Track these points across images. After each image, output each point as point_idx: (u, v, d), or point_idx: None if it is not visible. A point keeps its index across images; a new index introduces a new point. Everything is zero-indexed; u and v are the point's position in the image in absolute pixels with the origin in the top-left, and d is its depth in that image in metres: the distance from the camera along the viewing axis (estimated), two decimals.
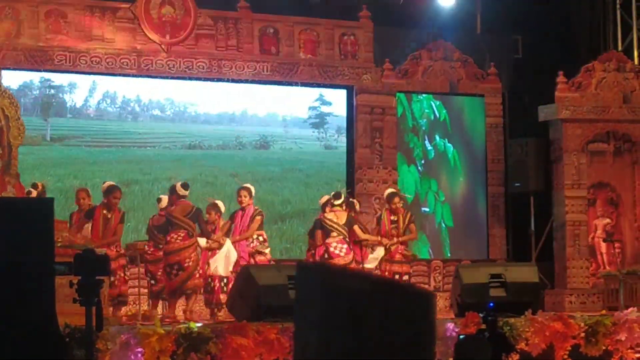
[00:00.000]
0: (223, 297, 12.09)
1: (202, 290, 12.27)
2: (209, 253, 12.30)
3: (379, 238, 12.73)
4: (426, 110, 15.97)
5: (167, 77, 14.56)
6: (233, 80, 14.89)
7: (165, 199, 12.56)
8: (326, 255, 12.33)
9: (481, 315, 9.23)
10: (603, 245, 15.38)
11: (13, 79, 13.97)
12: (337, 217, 12.46)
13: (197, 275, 11.99)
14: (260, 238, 12.59)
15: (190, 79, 14.67)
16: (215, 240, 12.23)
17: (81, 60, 13.98)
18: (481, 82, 16.18)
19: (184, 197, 12.11)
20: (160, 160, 14.92)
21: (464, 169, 16.13)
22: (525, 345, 10.79)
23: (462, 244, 15.97)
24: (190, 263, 11.90)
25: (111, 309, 11.93)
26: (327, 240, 12.37)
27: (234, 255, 12.22)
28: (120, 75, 14.37)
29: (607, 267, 15.26)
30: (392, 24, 15.89)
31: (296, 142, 15.79)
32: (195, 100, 15.23)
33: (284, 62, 15.05)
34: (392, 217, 12.85)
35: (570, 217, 15.26)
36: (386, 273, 12.77)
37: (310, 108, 15.73)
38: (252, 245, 12.48)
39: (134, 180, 14.59)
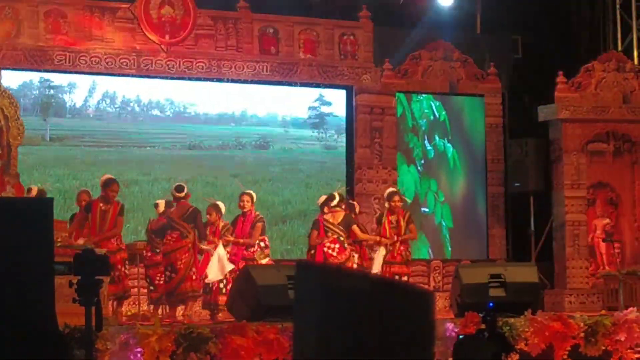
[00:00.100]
0: (222, 299, 12.09)
1: (200, 293, 12.22)
2: (203, 256, 12.31)
3: (378, 238, 12.72)
4: (426, 111, 15.97)
5: (166, 77, 14.56)
6: (233, 81, 14.89)
7: (162, 203, 12.58)
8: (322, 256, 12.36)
9: (481, 315, 9.22)
10: (603, 246, 15.37)
11: (13, 78, 13.97)
12: (334, 217, 12.47)
13: (193, 277, 11.93)
14: (262, 244, 12.59)
15: (189, 79, 14.67)
16: (208, 249, 12.23)
17: (81, 60, 13.98)
18: (481, 82, 16.18)
19: (180, 199, 12.11)
20: (160, 161, 14.92)
21: (464, 169, 16.13)
22: (524, 345, 10.78)
23: (461, 244, 15.97)
24: (182, 265, 11.87)
25: (114, 304, 11.96)
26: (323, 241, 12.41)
27: (228, 264, 12.20)
28: (119, 75, 14.37)
29: (607, 267, 15.25)
30: (392, 24, 15.89)
31: (296, 142, 15.79)
32: (195, 101, 15.22)
33: (283, 62, 15.05)
34: (391, 217, 12.84)
35: (570, 217, 15.26)
36: (387, 275, 12.77)
37: (310, 108, 15.73)
38: (251, 250, 12.47)
39: (133, 180, 14.58)
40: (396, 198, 12.89)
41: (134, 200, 13.98)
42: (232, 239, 12.42)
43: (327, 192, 13.38)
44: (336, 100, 15.74)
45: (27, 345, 5.95)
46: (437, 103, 16.00)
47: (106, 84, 14.67)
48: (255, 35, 14.94)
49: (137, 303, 12.81)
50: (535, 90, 16.31)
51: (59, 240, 10.46)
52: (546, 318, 11.02)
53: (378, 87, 15.56)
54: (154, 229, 12.49)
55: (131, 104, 14.97)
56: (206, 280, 12.20)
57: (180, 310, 12.12)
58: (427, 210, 15.80)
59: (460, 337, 7.90)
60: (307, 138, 15.83)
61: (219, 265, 12.16)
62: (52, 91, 14.47)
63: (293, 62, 15.12)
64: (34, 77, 14.23)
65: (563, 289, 15.11)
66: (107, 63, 14.12)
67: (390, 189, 13.47)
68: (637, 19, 16.84)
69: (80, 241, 11.56)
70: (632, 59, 16.44)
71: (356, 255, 12.61)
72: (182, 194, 12.11)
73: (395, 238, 12.65)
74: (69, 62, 13.93)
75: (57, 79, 14.38)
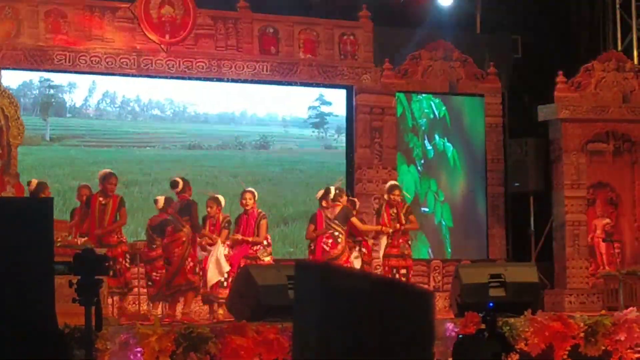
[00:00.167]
0: (222, 292, 12.10)
1: (195, 286, 12.13)
2: (203, 250, 12.33)
3: (380, 227, 12.77)
4: (426, 110, 15.97)
5: (166, 77, 14.57)
6: (233, 80, 14.89)
7: (161, 199, 12.60)
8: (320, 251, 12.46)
9: (481, 315, 9.22)
10: (603, 245, 15.37)
11: (13, 78, 13.97)
12: (332, 211, 12.54)
13: (188, 268, 11.88)
14: (265, 242, 12.59)
15: (189, 78, 14.67)
16: (207, 235, 12.20)
17: (81, 60, 13.98)
18: (481, 82, 16.18)
19: (178, 194, 12.13)
20: (160, 161, 14.91)
21: (464, 169, 16.13)
22: (524, 345, 10.78)
23: (461, 244, 15.97)
24: (176, 258, 11.89)
25: (116, 300, 11.98)
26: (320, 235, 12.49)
27: (225, 265, 12.20)
28: (119, 75, 14.37)
29: (607, 267, 15.25)
30: (392, 24, 15.89)
31: (296, 142, 15.79)
32: (195, 100, 15.22)
33: (283, 62, 15.05)
34: (390, 210, 12.88)
35: (570, 217, 15.26)
36: (385, 268, 12.82)
37: (310, 108, 15.73)
38: (255, 248, 12.47)
39: (133, 181, 14.57)
40: (396, 192, 12.94)
41: (133, 201, 13.93)
42: (240, 237, 12.40)
43: None
44: (336, 100, 15.73)
45: (27, 345, 5.94)
46: (437, 100, 16.00)
47: (106, 83, 14.67)
48: (255, 35, 14.94)
49: (137, 303, 12.81)
50: (535, 90, 16.31)
51: (59, 240, 10.46)
52: (546, 318, 11.02)
53: (378, 87, 15.56)
54: (152, 225, 12.52)
55: (131, 104, 14.97)
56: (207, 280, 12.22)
57: (179, 307, 12.12)
58: (427, 210, 15.80)
59: (460, 336, 7.90)
60: (307, 138, 15.83)
61: (216, 266, 12.17)
62: (52, 91, 14.47)
63: (293, 62, 15.12)
64: (34, 76, 14.23)
65: (563, 289, 15.11)
66: (107, 63, 14.12)
67: (392, 182, 13.52)
68: (636, 18, 16.84)
69: (83, 238, 11.63)
70: (632, 59, 16.44)
71: (355, 250, 12.60)
72: (178, 189, 12.13)
73: (398, 226, 12.67)
74: (69, 62, 13.93)
75: (57, 78, 14.38)
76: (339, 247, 12.41)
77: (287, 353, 9.72)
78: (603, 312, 12.42)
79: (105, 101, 14.84)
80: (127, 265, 12.09)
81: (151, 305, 12.58)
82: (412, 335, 2.59)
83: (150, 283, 12.40)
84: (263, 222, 12.56)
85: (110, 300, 11.77)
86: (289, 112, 15.72)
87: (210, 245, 12.35)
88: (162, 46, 14.39)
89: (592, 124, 15.51)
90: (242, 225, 12.53)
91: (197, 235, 12.11)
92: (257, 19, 14.97)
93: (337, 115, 15.80)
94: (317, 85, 15.42)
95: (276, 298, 10.38)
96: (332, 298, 2.54)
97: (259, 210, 12.71)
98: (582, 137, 15.45)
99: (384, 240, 12.77)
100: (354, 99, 15.53)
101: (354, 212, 12.90)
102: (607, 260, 15.38)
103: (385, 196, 13.06)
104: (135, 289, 12.54)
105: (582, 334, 11.07)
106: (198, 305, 12.98)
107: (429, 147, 15.95)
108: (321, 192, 12.90)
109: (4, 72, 13.62)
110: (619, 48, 16.71)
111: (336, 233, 12.41)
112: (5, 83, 13.35)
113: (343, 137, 15.79)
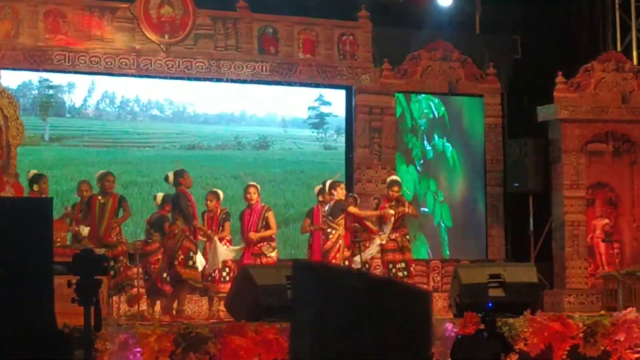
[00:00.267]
0: (223, 287, 12.12)
1: (185, 279, 12.07)
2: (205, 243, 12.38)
3: (379, 212, 12.87)
4: (425, 110, 15.97)
5: (166, 77, 14.56)
6: (232, 80, 14.90)
7: (159, 196, 12.66)
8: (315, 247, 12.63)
9: (480, 315, 9.23)
10: (602, 246, 15.37)
11: (12, 78, 13.97)
12: (326, 207, 12.65)
13: (179, 260, 11.85)
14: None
15: (189, 79, 14.67)
16: (199, 227, 12.17)
17: (80, 60, 13.98)
18: (480, 83, 16.18)
19: (175, 187, 12.18)
20: (159, 161, 14.89)
21: (463, 169, 16.13)
22: (524, 346, 10.78)
23: (461, 244, 15.96)
24: (169, 250, 11.97)
25: (116, 298, 12.01)
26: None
27: (223, 253, 12.22)
28: (119, 75, 14.37)
29: (606, 268, 15.25)
30: (391, 24, 15.89)
31: (295, 142, 15.78)
32: (194, 101, 15.22)
33: (283, 62, 15.05)
34: (389, 203, 12.98)
35: (569, 217, 15.26)
36: (383, 263, 12.90)
37: (309, 108, 15.73)
38: (259, 245, 12.48)
39: (132, 182, 14.57)
40: (395, 188, 13.05)
41: (133, 203, 13.85)
42: (257, 235, 12.38)
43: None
44: (335, 101, 15.73)
45: (27, 345, 5.95)
46: (436, 100, 16.00)
47: (105, 83, 14.67)
48: (255, 35, 14.94)
49: (136, 303, 12.80)
50: (534, 91, 16.30)
51: (58, 240, 10.48)
52: (545, 318, 11.02)
53: (377, 87, 15.56)
54: (150, 222, 12.59)
55: (130, 104, 14.97)
56: (206, 269, 12.23)
57: (173, 304, 12.15)
58: (426, 210, 15.80)
59: (459, 337, 7.90)
60: (307, 138, 15.82)
61: (213, 254, 12.19)
62: (51, 91, 14.47)
63: (292, 62, 15.12)
64: (33, 77, 14.23)
65: (562, 289, 15.11)
66: (106, 63, 14.12)
67: (393, 177, 13.57)
68: (636, 19, 16.84)
69: (87, 228, 11.69)
70: (632, 59, 16.44)
71: (355, 249, 12.64)
72: (169, 183, 12.18)
73: (399, 210, 12.75)
74: (69, 62, 13.93)
75: (57, 78, 14.38)
76: (329, 242, 12.49)
77: (287, 353, 9.73)
78: (602, 312, 12.42)
79: (105, 101, 14.84)
80: (127, 264, 12.12)
81: (149, 301, 12.58)
82: (409, 335, 2.59)
83: (146, 277, 12.44)
84: (269, 213, 12.58)
85: (110, 301, 11.80)
86: (289, 112, 15.72)
87: (207, 238, 12.36)
88: (162, 46, 14.39)
89: (591, 125, 15.51)
90: (246, 220, 12.53)
91: (192, 226, 12.00)
92: (256, 19, 14.97)
93: (336, 116, 15.79)
94: (317, 85, 15.42)
95: (275, 298, 10.39)
96: (329, 298, 2.54)
97: (262, 204, 12.72)
98: (582, 138, 15.45)
99: (388, 227, 12.79)
100: (353, 99, 15.53)
101: (350, 202, 12.91)
102: (606, 261, 15.38)
103: (386, 191, 13.17)
104: (135, 289, 12.54)
105: (581, 334, 11.07)
106: (197, 299, 13.00)
107: (428, 148, 15.94)
108: (318, 188, 13.02)
109: (3, 72, 13.62)
110: (619, 48, 16.70)
111: (329, 230, 12.46)
112: (4, 83, 13.37)
113: (342, 138, 15.79)
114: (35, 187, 11.88)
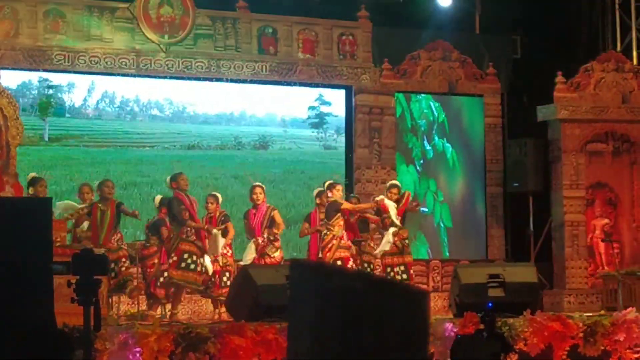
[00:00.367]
0: (223, 292, 12.14)
1: (176, 281, 12.06)
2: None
3: (374, 204, 12.90)
4: (425, 111, 15.97)
5: (165, 77, 14.57)
6: (232, 80, 14.90)
7: (157, 199, 12.68)
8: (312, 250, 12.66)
9: (480, 315, 9.23)
10: (602, 246, 15.37)
11: (12, 78, 13.97)
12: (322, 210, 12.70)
13: (171, 262, 11.83)
14: (271, 237, 12.56)
15: (189, 79, 14.68)
16: (192, 225, 12.15)
17: (80, 60, 13.98)
18: (480, 82, 16.18)
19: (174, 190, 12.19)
20: (159, 161, 14.89)
21: (463, 169, 16.13)
22: (523, 346, 10.77)
23: (460, 244, 15.97)
24: (164, 252, 12.00)
25: (117, 297, 12.03)
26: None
27: (222, 242, 12.26)
28: (118, 75, 14.37)
29: (606, 268, 15.25)
30: (391, 24, 15.89)
31: (295, 142, 15.78)
32: (194, 100, 15.22)
33: (282, 62, 15.05)
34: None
35: (569, 217, 15.26)
36: (382, 266, 12.89)
37: (309, 108, 15.72)
38: (262, 244, 12.49)
39: (132, 182, 14.56)
40: (394, 190, 13.06)
41: (132, 203, 13.82)
42: (350, 206, 12.51)
43: None
44: (335, 100, 15.73)
45: (27, 345, 5.95)
46: (437, 105, 15.99)
47: (105, 83, 14.67)
48: (254, 35, 14.95)
49: (136, 303, 12.81)
50: (534, 91, 16.30)
51: (58, 240, 10.48)
52: (545, 318, 11.01)
53: (377, 87, 15.56)
54: (148, 225, 12.61)
55: (130, 104, 14.97)
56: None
57: (168, 306, 12.17)
58: (426, 210, 15.79)
59: (459, 337, 7.90)
60: (307, 138, 15.82)
61: (211, 242, 12.21)
62: (51, 91, 14.46)
63: (292, 62, 15.12)
64: (33, 76, 14.23)
65: (562, 289, 15.11)
66: (106, 63, 14.12)
67: (393, 182, 13.58)
68: (636, 19, 16.84)
69: (86, 223, 11.72)
70: (631, 59, 16.43)
71: (353, 249, 12.63)
72: (171, 185, 12.18)
73: (404, 200, 12.81)
74: (68, 62, 13.93)
75: (56, 78, 14.38)
76: (322, 243, 12.52)
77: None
78: (602, 312, 12.43)
79: (104, 101, 14.84)
80: (128, 265, 12.13)
81: (150, 303, 12.59)
82: (407, 335, 2.59)
83: (144, 281, 12.45)
84: (275, 212, 12.59)
85: (110, 301, 11.80)
86: (288, 112, 15.72)
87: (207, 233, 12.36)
88: (161, 46, 14.39)
89: (591, 125, 15.51)
90: (251, 220, 12.54)
91: (187, 227, 11.93)
92: (255, 19, 14.97)
93: (336, 116, 15.79)
94: (316, 85, 15.42)
95: (275, 298, 10.38)
96: (327, 297, 2.54)
97: (267, 204, 12.72)
98: (581, 138, 15.45)
99: (393, 214, 12.78)
100: (353, 99, 15.53)
101: (341, 202, 12.86)
102: (606, 261, 15.38)
103: (385, 193, 13.17)
104: (136, 282, 12.58)
105: (581, 334, 11.07)
106: (197, 299, 13.02)
107: (428, 148, 15.94)
108: (317, 191, 13.01)
109: (2, 72, 13.62)
110: (618, 49, 16.70)
111: (325, 232, 12.47)
112: (4, 83, 13.36)
113: (342, 138, 15.79)
114: (31, 190, 11.80)
